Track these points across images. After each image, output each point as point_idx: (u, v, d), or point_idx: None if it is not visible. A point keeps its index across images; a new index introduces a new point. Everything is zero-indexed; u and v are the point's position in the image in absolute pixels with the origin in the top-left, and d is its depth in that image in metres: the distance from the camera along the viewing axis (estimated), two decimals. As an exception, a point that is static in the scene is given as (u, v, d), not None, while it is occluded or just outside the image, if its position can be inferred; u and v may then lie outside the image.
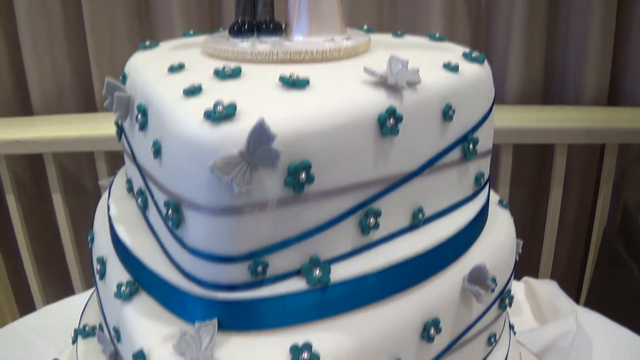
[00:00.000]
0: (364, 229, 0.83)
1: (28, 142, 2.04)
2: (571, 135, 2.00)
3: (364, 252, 0.85)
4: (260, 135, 0.71)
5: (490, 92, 0.93)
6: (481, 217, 0.95)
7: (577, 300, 1.57)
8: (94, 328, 1.12)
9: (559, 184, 2.02)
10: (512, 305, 1.07)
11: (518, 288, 1.70)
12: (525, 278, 1.74)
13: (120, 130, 0.95)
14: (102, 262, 0.92)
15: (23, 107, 2.18)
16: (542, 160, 2.14)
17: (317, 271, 0.80)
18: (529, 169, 2.19)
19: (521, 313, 1.64)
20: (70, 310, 1.27)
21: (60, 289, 2.26)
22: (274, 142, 0.72)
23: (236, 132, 0.72)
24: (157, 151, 0.79)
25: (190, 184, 0.76)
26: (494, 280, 0.93)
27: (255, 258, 0.78)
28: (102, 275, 0.94)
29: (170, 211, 0.78)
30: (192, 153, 0.74)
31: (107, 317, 0.97)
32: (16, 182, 2.09)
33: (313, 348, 0.78)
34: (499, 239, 0.98)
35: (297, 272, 0.82)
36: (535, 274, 1.69)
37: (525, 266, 1.76)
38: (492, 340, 1.03)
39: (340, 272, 0.82)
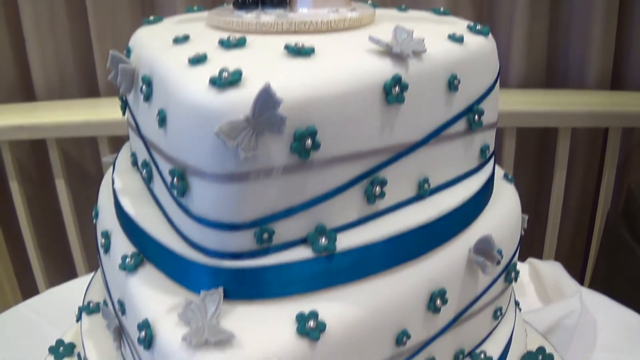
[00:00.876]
0: (370, 197, 0.82)
1: (31, 128, 2.04)
2: (574, 119, 2.00)
3: (370, 221, 0.85)
4: (266, 100, 0.70)
5: (495, 64, 0.92)
6: (487, 189, 0.95)
7: (581, 282, 1.57)
8: (98, 305, 1.12)
9: (563, 167, 2.02)
10: (517, 286, 1.07)
11: (522, 269, 1.68)
12: (530, 259, 1.74)
13: (125, 104, 0.95)
14: (106, 235, 0.92)
15: (26, 93, 2.17)
16: (546, 144, 2.13)
17: (323, 239, 0.80)
18: (532, 152, 2.19)
19: (525, 294, 1.64)
20: (73, 292, 1.27)
21: (63, 274, 2.26)
22: (279, 107, 0.71)
23: (242, 98, 0.72)
24: (162, 120, 0.79)
25: (195, 151, 0.75)
26: (499, 252, 0.93)
27: (261, 225, 0.77)
28: (107, 249, 0.94)
29: (175, 179, 0.77)
30: (197, 119, 0.74)
31: (112, 291, 0.96)
32: (19, 168, 2.09)
33: (319, 317, 0.78)
34: (504, 212, 0.98)
35: (303, 241, 0.81)
36: (539, 258, 1.68)
37: (529, 249, 1.76)
38: (498, 315, 1.02)
39: (346, 240, 0.82)
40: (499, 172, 1.05)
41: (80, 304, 1.15)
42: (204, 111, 0.73)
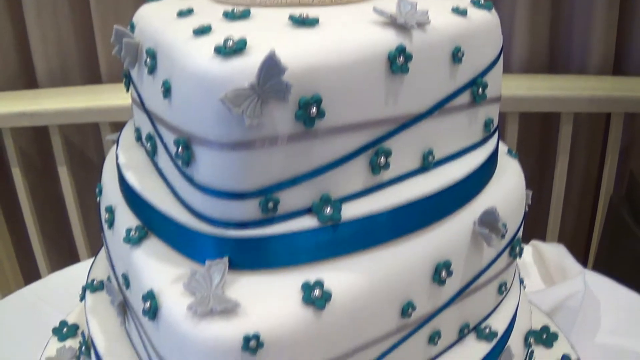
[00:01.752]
0: (375, 168, 0.82)
1: (33, 115, 2.04)
2: (577, 104, 2.00)
3: (375, 192, 0.85)
4: (271, 67, 0.70)
5: (498, 39, 0.93)
6: (491, 162, 0.95)
7: (584, 266, 1.57)
8: (102, 282, 1.12)
9: (565, 152, 2.02)
10: (520, 268, 1.07)
11: (526, 251, 1.69)
12: (533, 242, 1.74)
13: (128, 80, 0.94)
14: (110, 210, 0.92)
15: (27, 80, 2.17)
16: (548, 130, 2.13)
17: (328, 209, 0.80)
18: (535, 137, 2.18)
19: (529, 276, 1.64)
20: (76, 276, 1.27)
21: (65, 260, 2.25)
22: (284, 74, 0.71)
23: (247, 65, 0.72)
24: (166, 91, 0.79)
25: (200, 120, 0.76)
26: (504, 225, 0.93)
27: (266, 194, 0.78)
28: (111, 223, 0.94)
29: (180, 149, 0.77)
30: (202, 87, 0.74)
31: (116, 266, 0.97)
32: (21, 155, 2.09)
33: (325, 286, 0.78)
34: (508, 186, 0.98)
35: (308, 210, 0.81)
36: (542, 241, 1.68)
37: (531, 233, 1.76)
38: (502, 290, 1.02)
39: (351, 210, 0.82)
40: (503, 147, 1.05)
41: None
42: (209, 79, 0.73)
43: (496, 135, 1.00)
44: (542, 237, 2.16)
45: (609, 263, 2.10)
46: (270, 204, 0.77)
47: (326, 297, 0.76)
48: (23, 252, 2.30)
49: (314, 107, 0.74)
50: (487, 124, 0.95)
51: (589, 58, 2.18)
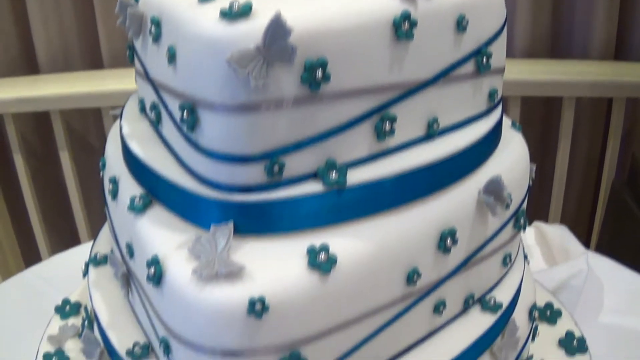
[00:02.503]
0: (380, 134, 0.82)
1: (35, 100, 2.03)
2: (579, 88, 1.99)
3: (380, 158, 0.85)
4: (277, 29, 0.71)
5: (502, 11, 0.93)
6: (495, 132, 0.95)
7: (586, 249, 1.57)
8: (105, 256, 1.12)
9: (567, 137, 2.02)
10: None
11: (528, 233, 1.70)
12: (536, 223, 1.74)
13: (132, 51, 0.94)
14: (114, 181, 0.92)
15: (29, 65, 2.16)
16: (550, 114, 2.13)
17: (334, 174, 0.80)
18: (537, 122, 2.18)
19: (532, 257, 1.64)
20: (79, 258, 1.27)
21: (67, 246, 2.25)
22: (290, 37, 0.71)
23: (253, 28, 0.72)
24: (171, 57, 0.79)
25: (205, 84, 0.76)
26: (509, 195, 0.93)
27: (272, 158, 0.78)
28: (115, 194, 0.94)
29: (185, 114, 0.77)
30: (208, 50, 0.74)
31: (119, 237, 0.96)
32: (23, 141, 2.09)
33: (330, 250, 0.78)
34: (513, 157, 0.98)
35: (313, 176, 0.81)
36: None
37: (533, 217, 1.76)
38: (507, 261, 1.02)
39: (357, 176, 0.82)
40: (507, 120, 1.05)
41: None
42: (214, 42, 0.74)
43: (500, 106, 1.00)
44: (544, 221, 2.16)
45: (611, 246, 2.10)
46: (276, 168, 0.77)
47: (332, 261, 0.76)
48: (24, 237, 2.30)
49: (320, 71, 0.74)
50: (492, 94, 0.95)
51: (591, 43, 2.18)
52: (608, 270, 1.60)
